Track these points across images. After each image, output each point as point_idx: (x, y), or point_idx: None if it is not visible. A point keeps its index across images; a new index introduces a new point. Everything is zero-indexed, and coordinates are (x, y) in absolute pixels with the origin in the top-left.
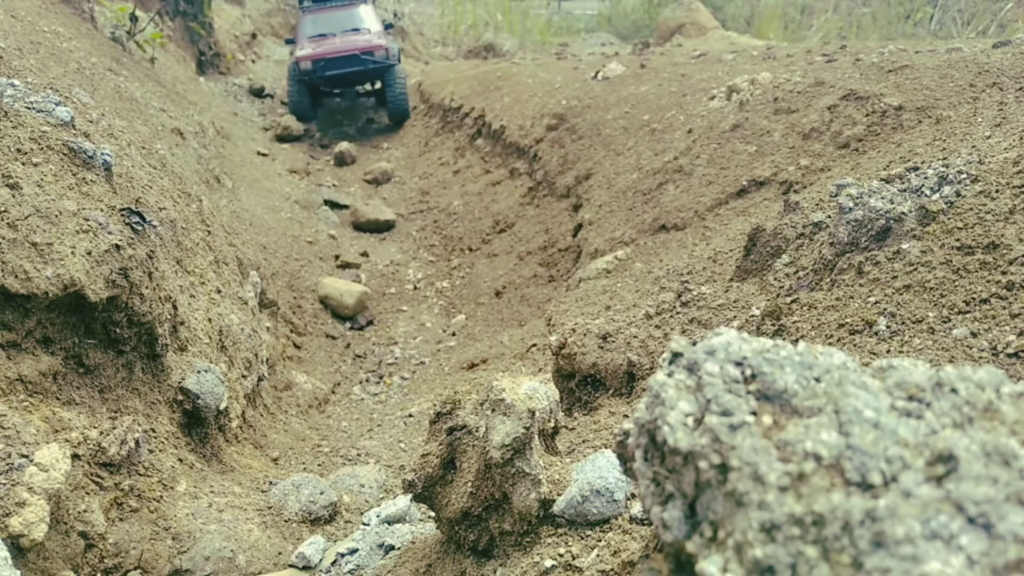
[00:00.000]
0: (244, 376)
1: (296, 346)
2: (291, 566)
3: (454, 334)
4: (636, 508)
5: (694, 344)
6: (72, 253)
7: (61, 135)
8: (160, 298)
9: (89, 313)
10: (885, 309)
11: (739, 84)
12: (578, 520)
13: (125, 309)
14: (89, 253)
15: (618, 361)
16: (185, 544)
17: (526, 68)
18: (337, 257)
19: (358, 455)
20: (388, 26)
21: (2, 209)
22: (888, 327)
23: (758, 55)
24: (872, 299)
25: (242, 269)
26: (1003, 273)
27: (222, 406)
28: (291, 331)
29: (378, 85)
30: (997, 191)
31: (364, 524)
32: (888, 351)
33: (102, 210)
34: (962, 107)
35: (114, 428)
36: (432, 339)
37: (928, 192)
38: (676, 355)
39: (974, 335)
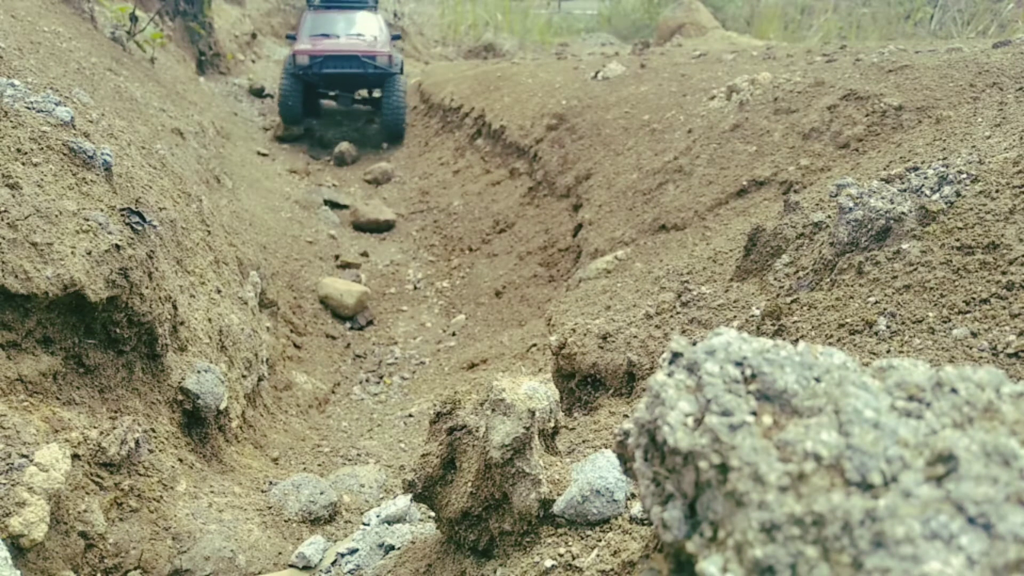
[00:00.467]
0: (244, 376)
1: (296, 346)
2: (291, 566)
3: (454, 334)
4: (636, 508)
5: (694, 344)
6: (72, 253)
7: (61, 135)
8: (160, 298)
9: (89, 313)
10: (885, 309)
11: (739, 84)
12: (578, 520)
13: (125, 309)
14: (89, 253)
15: (618, 361)
16: (185, 544)
17: (526, 68)
18: (337, 257)
19: (358, 455)
20: (396, 37)
21: (2, 209)
22: (888, 327)
23: (758, 55)
24: (872, 299)
25: (242, 269)
26: (1003, 273)
27: (222, 406)
28: (291, 331)
29: (376, 93)
30: (997, 191)
31: (364, 524)
32: (888, 351)
33: (102, 210)
34: (962, 107)
35: (114, 428)
36: (432, 339)
37: (928, 192)
38: (676, 355)
39: (974, 335)
